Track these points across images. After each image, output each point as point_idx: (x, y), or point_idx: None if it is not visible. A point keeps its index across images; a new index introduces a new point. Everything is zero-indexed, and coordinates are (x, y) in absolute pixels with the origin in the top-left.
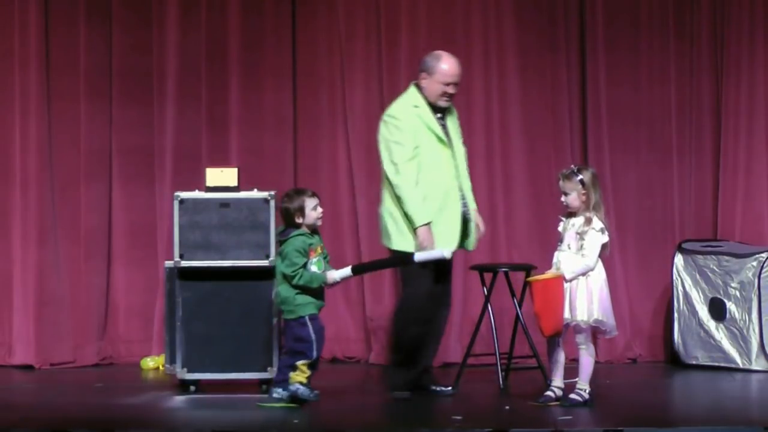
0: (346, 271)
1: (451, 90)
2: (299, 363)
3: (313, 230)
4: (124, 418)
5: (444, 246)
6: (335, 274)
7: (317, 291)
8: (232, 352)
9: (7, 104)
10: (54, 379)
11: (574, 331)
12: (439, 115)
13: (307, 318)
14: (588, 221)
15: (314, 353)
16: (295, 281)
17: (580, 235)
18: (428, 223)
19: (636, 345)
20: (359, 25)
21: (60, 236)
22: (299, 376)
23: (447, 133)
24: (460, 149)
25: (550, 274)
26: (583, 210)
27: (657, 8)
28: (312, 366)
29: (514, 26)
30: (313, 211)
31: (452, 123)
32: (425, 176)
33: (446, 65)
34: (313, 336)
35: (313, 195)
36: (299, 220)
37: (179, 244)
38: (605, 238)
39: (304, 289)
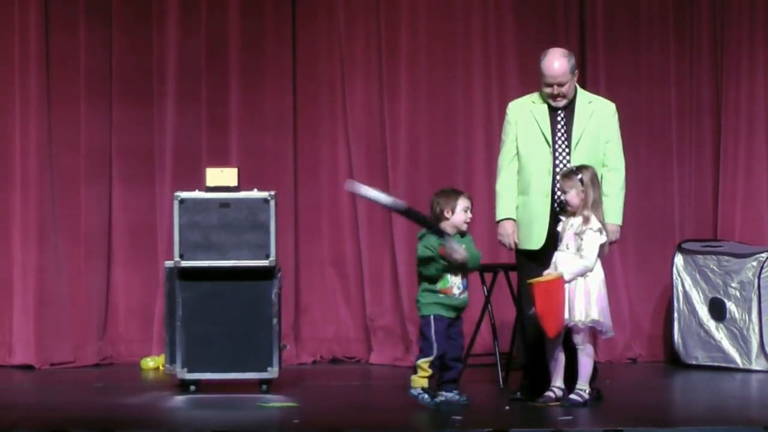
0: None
1: (553, 90)
2: (420, 361)
3: (461, 232)
4: (124, 418)
5: (529, 240)
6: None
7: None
8: (232, 352)
9: (8, 105)
10: (54, 379)
11: (572, 332)
12: (559, 113)
13: (431, 318)
14: (586, 220)
15: (434, 351)
16: (421, 261)
17: (578, 236)
18: (509, 219)
19: (636, 345)
20: (359, 26)
21: (60, 236)
22: (420, 378)
23: (561, 132)
24: (582, 150)
25: (550, 275)
26: (581, 209)
27: (657, 9)
28: (434, 365)
29: (514, 27)
30: (463, 212)
31: (585, 123)
32: (522, 168)
33: (543, 64)
34: (433, 336)
35: (469, 198)
36: (447, 215)
37: (179, 244)
38: (603, 238)
39: (433, 278)
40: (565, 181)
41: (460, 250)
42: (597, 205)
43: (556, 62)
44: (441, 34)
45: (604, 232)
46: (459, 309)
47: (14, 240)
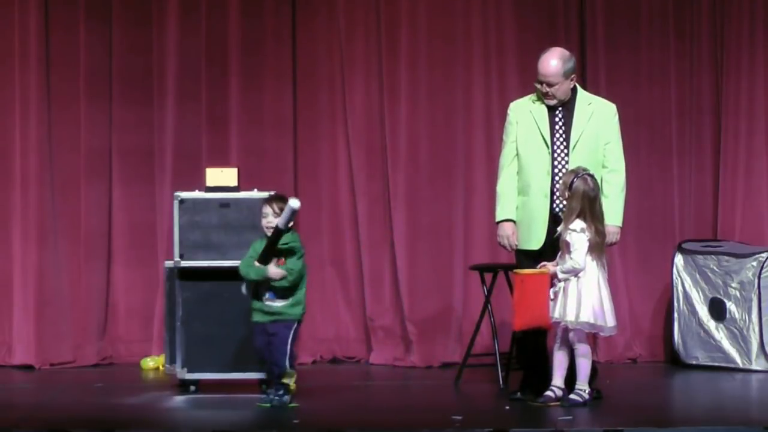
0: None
1: (542, 88)
2: None
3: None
4: (124, 418)
5: (526, 242)
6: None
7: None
8: (232, 352)
9: (8, 105)
10: (54, 379)
11: (566, 332)
12: (558, 113)
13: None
14: (568, 222)
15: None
16: None
17: (564, 240)
18: (508, 220)
19: (636, 345)
20: (359, 25)
21: (60, 236)
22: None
23: (560, 132)
24: (581, 151)
25: (537, 270)
26: (566, 214)
27: (657, 8)
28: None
29: (514, 26)
30: (264, 218)
31: (584, 124)
32: (521, 168)
33: (539, 60)
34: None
35: (270, 203)
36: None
37: (179, 244)
38: (587, 235)
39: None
40: (566, 174)
41: (269, 273)
42: (585, 216)
43: (552, 61)
44: (441, 33)
45: (585, 231)
46: (272, 315)
47: (14, 240)
